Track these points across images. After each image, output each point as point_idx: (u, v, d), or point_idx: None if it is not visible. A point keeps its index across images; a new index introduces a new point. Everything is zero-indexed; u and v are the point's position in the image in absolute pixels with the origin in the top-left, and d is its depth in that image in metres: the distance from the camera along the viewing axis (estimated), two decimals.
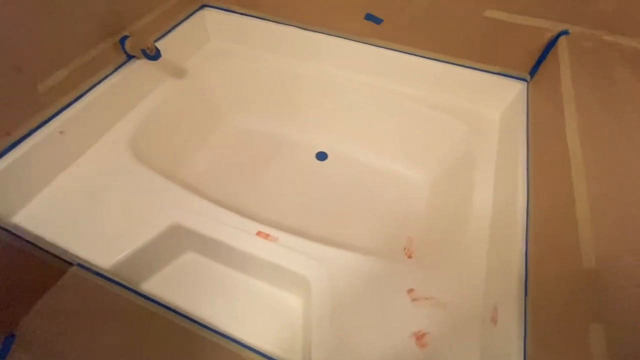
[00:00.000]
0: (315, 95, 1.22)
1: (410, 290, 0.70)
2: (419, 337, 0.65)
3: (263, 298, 0.83)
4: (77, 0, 0.78)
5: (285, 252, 0.75)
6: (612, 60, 0.78)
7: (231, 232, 0.77)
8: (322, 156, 1.28)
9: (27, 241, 0.84)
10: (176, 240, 0.81)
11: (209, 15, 1.18)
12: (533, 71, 0.96)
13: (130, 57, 0.96)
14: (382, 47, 1.06)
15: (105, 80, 0.90)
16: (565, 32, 0.86)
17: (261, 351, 0.68)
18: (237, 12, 1.16)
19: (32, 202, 0.80)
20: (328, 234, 1.04)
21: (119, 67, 0.94)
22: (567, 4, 0.82)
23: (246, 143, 1.28)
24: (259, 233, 0.78)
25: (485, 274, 0.72)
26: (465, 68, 1.02)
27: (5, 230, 0.79)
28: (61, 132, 0.81)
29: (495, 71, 1.00)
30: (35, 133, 0.78)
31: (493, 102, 1.03)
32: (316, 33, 1.11)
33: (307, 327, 0.72)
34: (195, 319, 0.82)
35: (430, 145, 1.12)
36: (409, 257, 1.01)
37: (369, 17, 0.99)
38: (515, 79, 0.99)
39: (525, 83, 0.98)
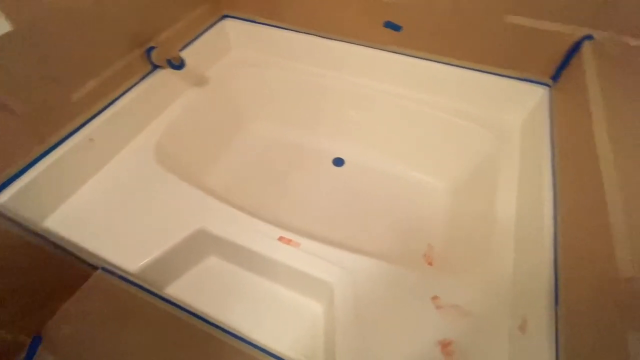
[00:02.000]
0: (334, 103, 1.23)
1: (434, 298, 0.69)
2: (445, 345, 0.64)
3: (284, 303, 0.83)
4: (110, 15, 0.82)
5: (307, 258, 0.75)
6: None
7: (253, 237, 0.78)
8: (339, 162, 1.28)
9: (56, 245, 0.87)
10: (200, 245, 0.82)
11: (230, 25, 1.22)
12: (555, 76, 0.95)
13: (155, 67, 0.99)
14: (402, 53, 1.07)
15: (132, 90, 0.93)
16: (589, 37, 0.85)
17: (283, 357, 0.68)
18: (257, 22, 1.19)
19: (62, 207, 0.82)
20: (346, 239, 1.04)
21: (145, 76, 0.97)
22: (590, 9, 0.81)
23: (266, 149, 1.30)
24: (280, 238, 0.78)
25: (512, 282, 0.71)
26: (484, 74, 1.01)
27: (36, 234, 0.82)
28: (91, 140, 0.84)
29: (516, 76, 0.99)
30: (67, 140, 0.81)
31: (514, 108, 1.02)
32: (335, 41, 1.12)
33: (329, 334, 0.72)
34: (217, 323, 0.83)
35: (450, 152, 1.12)
36: (429, 264, 1.00)
37: (388, 25, 1.00)
38: (537, 84, 0.98)
39: (548, 88, 0.97)
